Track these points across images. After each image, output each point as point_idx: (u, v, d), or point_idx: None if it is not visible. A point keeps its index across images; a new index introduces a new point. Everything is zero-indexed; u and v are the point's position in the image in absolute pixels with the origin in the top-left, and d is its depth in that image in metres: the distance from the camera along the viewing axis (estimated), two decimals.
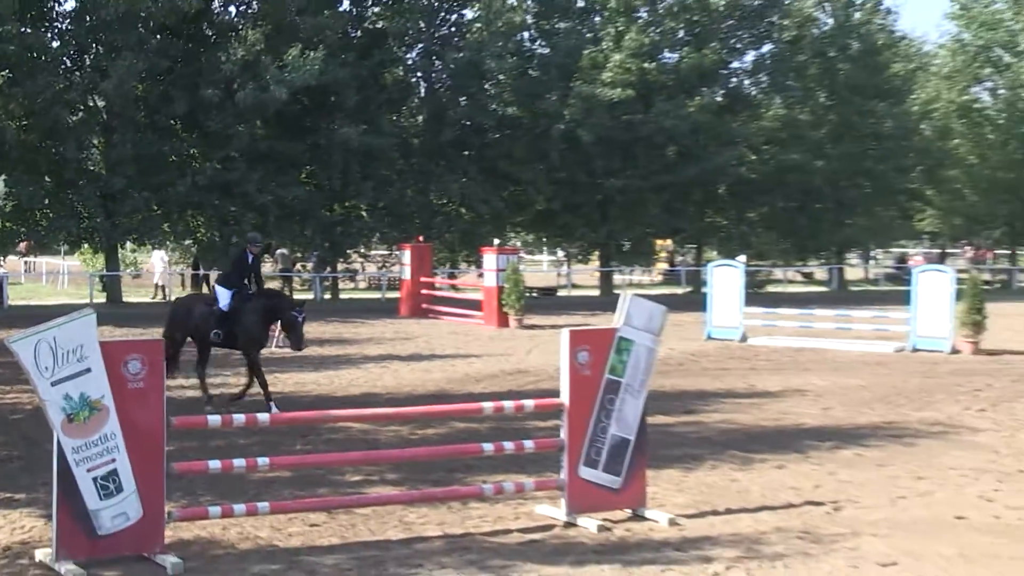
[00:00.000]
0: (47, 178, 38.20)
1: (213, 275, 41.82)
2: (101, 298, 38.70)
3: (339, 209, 43.34)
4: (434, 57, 43.68)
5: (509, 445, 10.27)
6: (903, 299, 28.11)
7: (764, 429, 14.67)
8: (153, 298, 41.33)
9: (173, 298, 40.61)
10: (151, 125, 38.66)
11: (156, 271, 42.69)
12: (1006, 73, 54.57)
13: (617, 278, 49.43)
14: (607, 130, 43.11)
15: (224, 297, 15.40)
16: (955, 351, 23.36)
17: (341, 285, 45.57)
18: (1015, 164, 52.69)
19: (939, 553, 8.95)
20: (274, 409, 14.53)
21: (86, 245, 42.79)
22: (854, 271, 59.58)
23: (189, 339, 16.16)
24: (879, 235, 58.51)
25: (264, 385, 15.31)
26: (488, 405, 10.82)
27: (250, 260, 15.87)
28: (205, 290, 42.13)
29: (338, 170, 41.15)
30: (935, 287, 24.05)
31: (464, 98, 43.50)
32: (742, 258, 29.23)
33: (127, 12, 35.99)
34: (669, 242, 54.00)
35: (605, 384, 9.84)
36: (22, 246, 46.83)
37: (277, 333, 25.30)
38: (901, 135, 50.92)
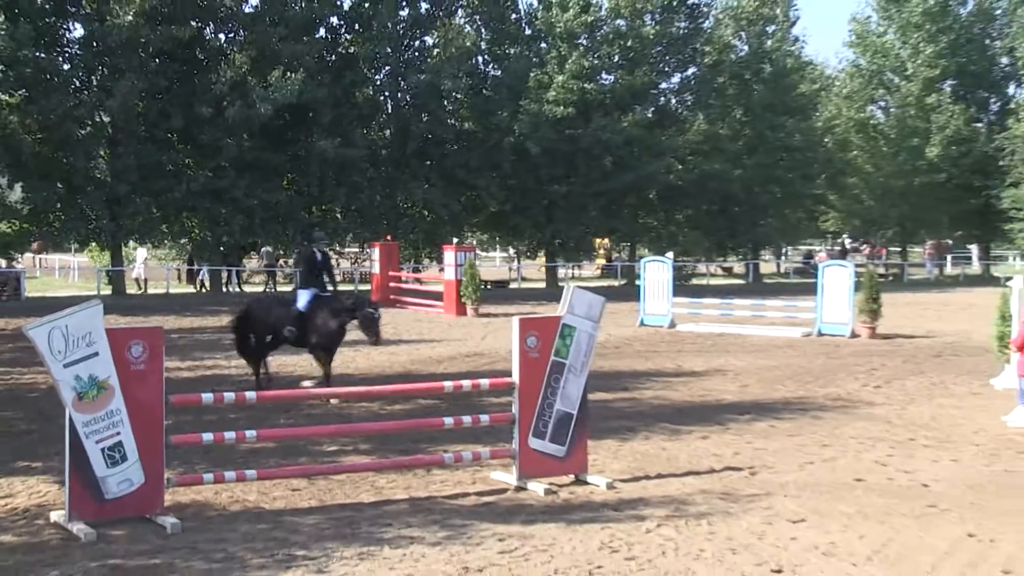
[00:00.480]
0: (59, 185, 38.16)
1: (205, 270, 41.69)
2: (107, 290, 38.43)
3: (317, 212, 43.27)
4: (399, 78, 43.54)
5: (467, 419, 10.30)
6: (810, 290, 28.42)
7: (690, 404, 14.78)
8: (137, 291, 40.81)
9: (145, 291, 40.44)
10: (151, 138, 38.61)
11: (137, 266, 42.18)
12: (896, 94, 55.28)
13: (561, 272, 49.40)
14: (552, 143, 43.24)
15: (303, 298, 14.80)
16: (855, 335, 23.60)
17: None
18: (905, 173, 53.31)
19: (841, 511, 9.07)
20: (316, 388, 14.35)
21: (94, 244, 42.63)
22: (767, 266, 59.94)
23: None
24: (789, 234, 59.13)
25: (328, 377, 14.91)
26: (448, 384, 10.85)
27: (320, 258, 15.31)
28: (201, 282, 42.09)
29: (316, 177, 41.30)
30: (837, 280, 24.25)
31: (426, 114, 43.42)
32: (670, 255, 29.34)
33: (129, 38, 36.27)
34: (606, 241, 54.04)
35: (551, 365, 9.87)
36: (35, 245, 46.34)
37: None
38: (807, 147, 51.32)
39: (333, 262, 47.30)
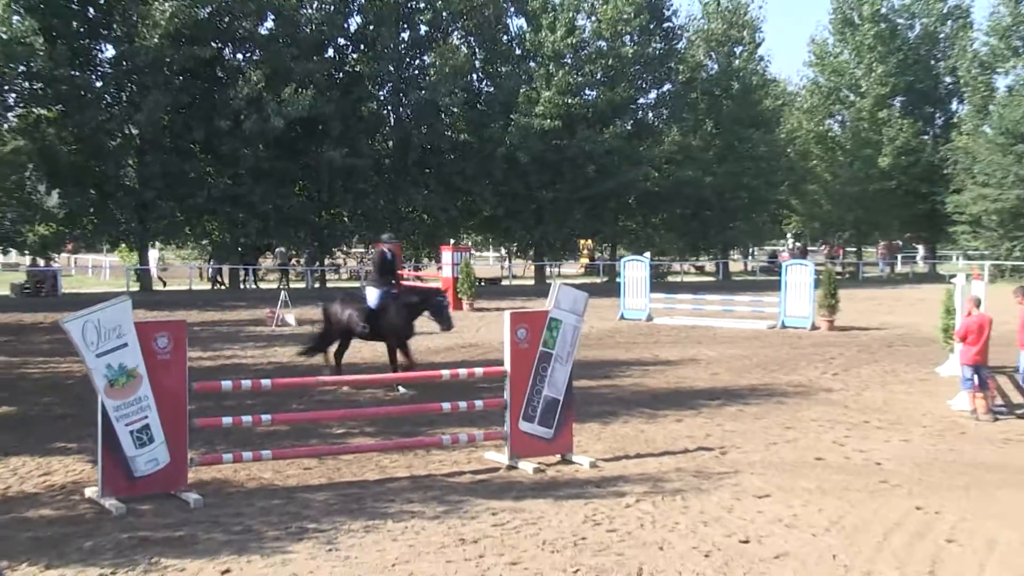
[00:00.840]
0: (92, 191, 38.21)
1: (226, 268, 41.59)
2: (136, 287, 38.37)
3: (326, 215, 43.29)
4: (401, 94, 43.49)
5: (463, 404, 10.28)
6: (774, 287, 28.47)
7: (666, 390, 14.79)
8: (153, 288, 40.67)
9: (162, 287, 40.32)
10: (175, 148, 38.59)
11: (151, 265, 42.04)
12: (851, 109, 55.58)
13: (548, 270, 49.39)
14: (540, 152, 43.27)
15: (373, 296, 14.37)
16: (815, 328, 23.66)
17: (328, 276, 45.27)
18: (859, 180, 53.52)
19: (803, 487, 9.08)
20: (400, 390, 13.96)
21: (123, 245, 42.67)
22: (736, 265, 59.98)
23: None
24: (755, 236, 59.18)
25: (395, 367, 14.38)
26: (446, 372, 10.84)
27: (389, 257, 14.93)
28: (220, 279, 41.99)
29: (325, 184, 41.32)
30: (799, 277, 24.31)
31: (425, 127, 43.36)
32: (647, 254, 29.46)
33: (156, 58, 36.34)
34: (590, 242, 54.04)
35: (539, 355, 9.87)
36: (68, 246, 46.31)
37: (277, 314, 25.16)
38: (771, 157, 51.41)
39: (341, 260, 48.04)
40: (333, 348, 15.20)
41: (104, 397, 8.23)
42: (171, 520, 7.98)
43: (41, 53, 34.06)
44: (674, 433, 11.51)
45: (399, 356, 14.58)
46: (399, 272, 15.72)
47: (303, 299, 31.89)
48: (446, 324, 14.60)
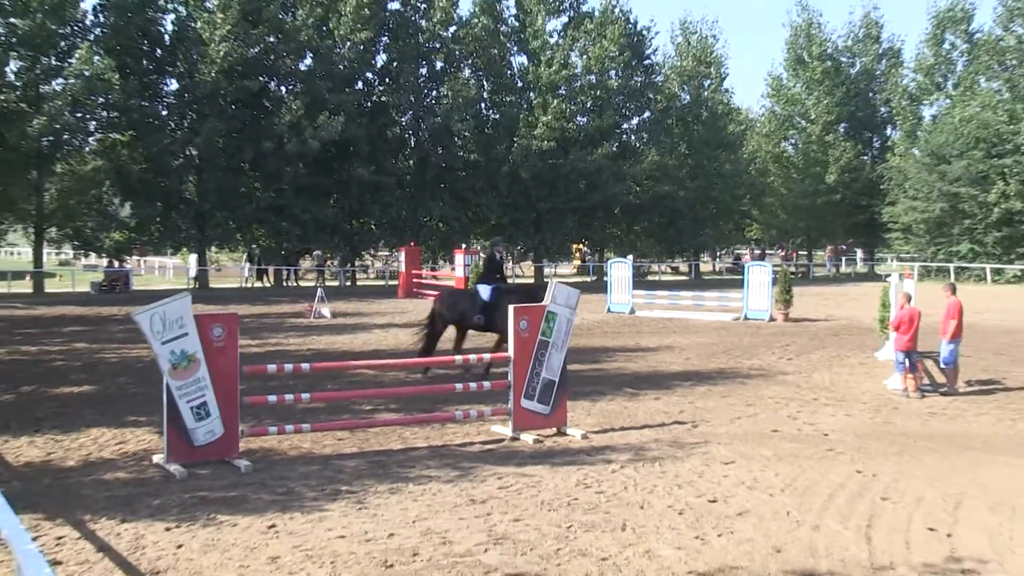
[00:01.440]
0: (158, 203, 38.49)
1: (271, 268, 41.60)
2: (195, 285, 38.43)
3: (356, 224, 43.30)
4: (420, 120, 43.52)
5: (473, 385, 10.28)
6: (738, 285, 28.43)
7: (646, 373, 14.75)
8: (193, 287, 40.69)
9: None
10: (228, 167, 38.69)
11: (192, 268, 42.02)
12: (802, 133, 55.64)
13: (546, 270, 49.40)
14: (538, 170, 43.27)
15: (485, 291, 13.71)
16: (772, 319, 23.59)
17: (358, 276, 45.29)
18: (810, 194, 53.57)
19: (762, 454, 9.07)
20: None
21: (184, 249, 42.77)
22: (706, 265, 60.03)
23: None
24: (722, 241, 59.27)
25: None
26: (459, 357, 10.81)
27: (498, 258, 14.37)
28: (265, 277, 41.97)
29: (355, 197, 41.32)
30: (759, 276, 24.28)
31: (440, 148, 43.41)
32: (630, 257, 29.36)
33: (212, 91, 36.60)
34: (581, 246, 54.06)
35: (538, 343, 9.85)
36: (134, 249, 46.48)
37: (315, 308, 25.12)
38: (735, 174, 51.42)
39: (369, 262, 48.03)
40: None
41: (168, 378, 8.23)
42: (225, 482, 7.98)
43: (116, 87, 34.25)
44: (653, 409, 11.48)
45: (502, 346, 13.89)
46: (504, 273, 14.94)
47: (337, 295, 31.89)
48: None
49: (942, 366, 13.06)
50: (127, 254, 40.92)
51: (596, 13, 46.93)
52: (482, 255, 26.87)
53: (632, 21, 48.09)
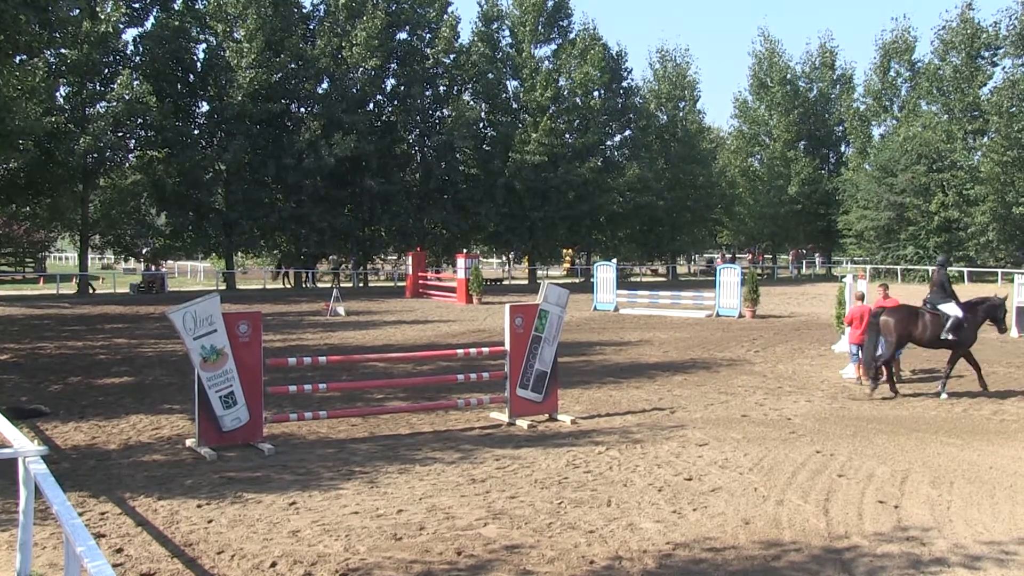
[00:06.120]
0: (191, 213, 38.29)
1: (291, 272, 41.50)
2: (223, 286, 38.34)
3: (368, 231, 43.15)
4: (425, 137, 43.46)
5: (473, 375, 10.25)
6: (711, 285, 28.44)
7: (628, 364, 14.75)
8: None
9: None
10: (253, 180, 38.62)
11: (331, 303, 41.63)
12: (767, 150, 55.71)
13: (539, 273, 49.37)
14: (531, 182, 43.25)
15: (955, 309, 11.67)
16: (742, 316, 23.59)
17: (370, 278, 45.23)
18: (774, 204, 53.66)
19: (732, 437, 9.06)
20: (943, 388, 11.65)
21: (214, 254, 42.68)
22: (682, 268, 60.02)
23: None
24: (697, 246, 59.25)
25: (978, 369, 11.94)
26: (460, 351, 10.77)
27: (945, 278, 12.13)
28: (286, 280, 41.84)
29: (367, 207, 41.28)
30: (730, 277, 24.29)
31: (443, 163, 43.30)
32: (614, 260, 29.33)
33: (239, 112, 36.49)
34: (571, 250, 54.03)
35: (532, 338, 9.84)
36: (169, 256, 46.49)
37: (331, 307, 25.05)
38: (708, 186, 51.51)
39: (379, 265, 47.86)
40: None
41: (199, 370, 8.19)
42: (250, 464, 7.95)
43: (154, 109, 34.26)
44: (635, 397, 11.48)
45: (971, 370, 12.12)
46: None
47: (350, 295, 31.78)
48: (1002, 330, 12.38)
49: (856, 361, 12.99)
50: (162, 259, 40.85)
51: (576, 39, 46.87)
52: (480, 259, 26.78)
53: (607, 46, 48.04)
